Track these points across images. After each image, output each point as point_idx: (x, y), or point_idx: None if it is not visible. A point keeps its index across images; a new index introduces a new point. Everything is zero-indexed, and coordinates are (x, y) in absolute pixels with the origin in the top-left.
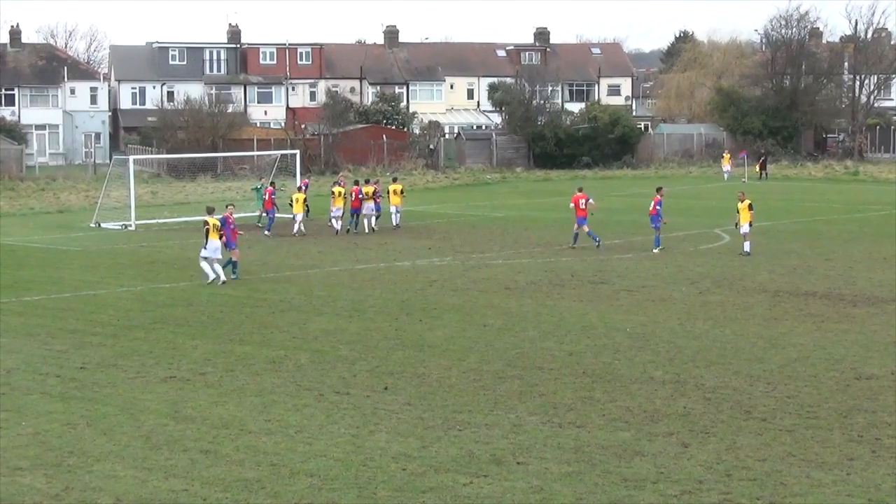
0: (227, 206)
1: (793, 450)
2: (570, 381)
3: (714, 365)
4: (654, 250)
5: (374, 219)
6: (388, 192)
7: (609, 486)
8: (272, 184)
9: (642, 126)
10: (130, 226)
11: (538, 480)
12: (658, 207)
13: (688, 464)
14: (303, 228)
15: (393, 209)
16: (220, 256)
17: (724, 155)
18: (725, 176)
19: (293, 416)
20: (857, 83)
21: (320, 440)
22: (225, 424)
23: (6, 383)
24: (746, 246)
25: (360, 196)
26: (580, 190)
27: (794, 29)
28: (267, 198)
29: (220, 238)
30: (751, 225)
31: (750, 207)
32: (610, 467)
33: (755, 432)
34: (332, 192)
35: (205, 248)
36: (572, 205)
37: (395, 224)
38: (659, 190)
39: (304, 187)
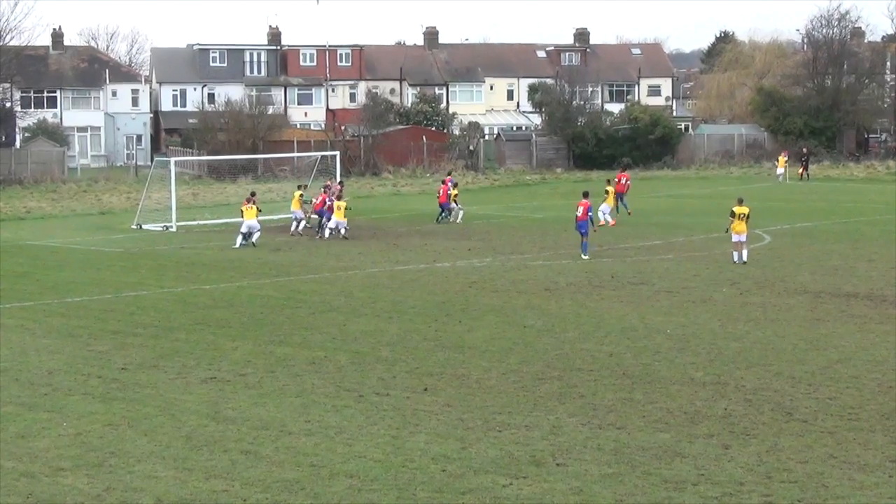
0: None
1: (834, 452)
2: (609, 382)
3: (755, 366)
4: (584, 256)
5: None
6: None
7: (649, 488)
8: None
9: (682, 127)
10: (171, 227)
11: (578, 482)
12: (589, 213)
13: (728, 465)
14: (300, 230)
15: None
16: None
17: (781, 158)
18: (779, 178)
19: (333, 417)
20: None
21: (360, 441)
22: (265, 425)
23: (48, 384)
24: (743, 255)
25: (450, 193)
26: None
27: (836, 28)
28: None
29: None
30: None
31: (744, 217)
32: (650, 469)
33: (796, 434)
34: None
35: None
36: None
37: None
38: (586, 195)
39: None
